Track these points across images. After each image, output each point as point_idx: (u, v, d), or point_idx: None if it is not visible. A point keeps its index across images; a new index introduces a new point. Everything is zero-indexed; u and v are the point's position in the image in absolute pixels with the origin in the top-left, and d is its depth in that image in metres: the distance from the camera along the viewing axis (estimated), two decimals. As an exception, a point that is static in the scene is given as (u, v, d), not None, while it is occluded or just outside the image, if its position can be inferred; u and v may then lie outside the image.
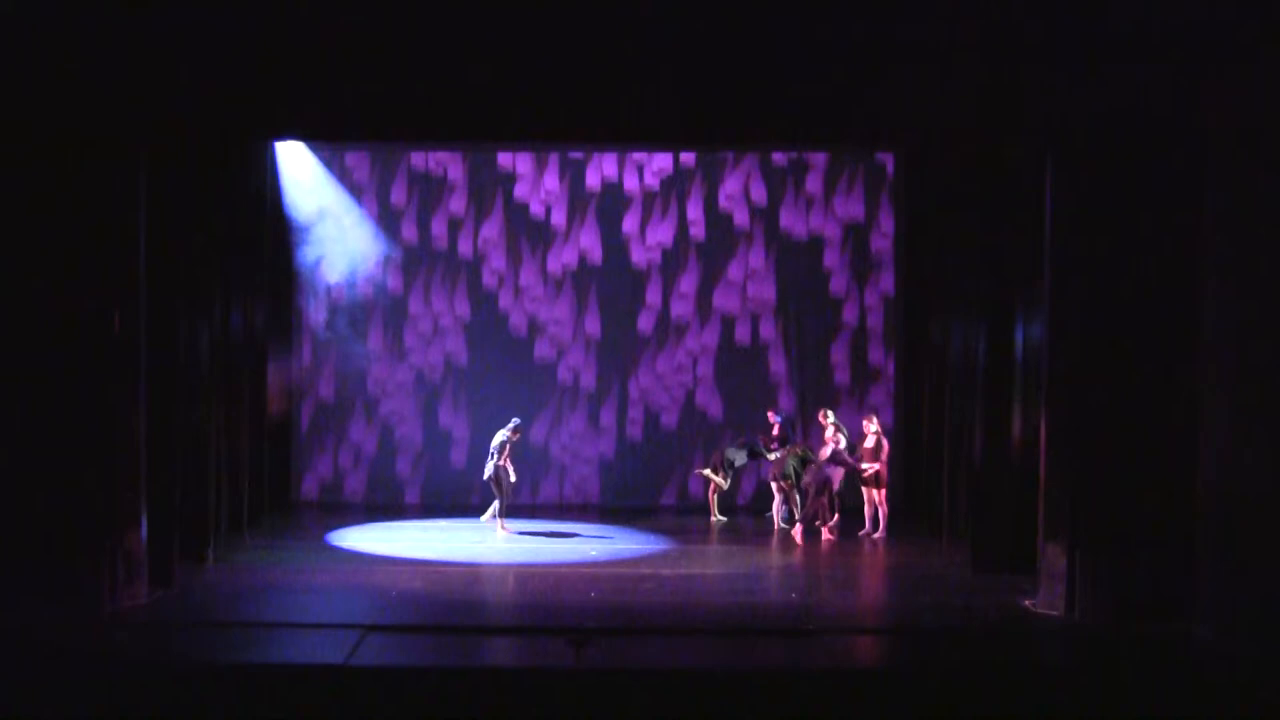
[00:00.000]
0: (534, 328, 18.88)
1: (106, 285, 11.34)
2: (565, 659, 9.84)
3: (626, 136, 13.85)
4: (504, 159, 18.77)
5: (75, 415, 11.21)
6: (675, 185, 18.88)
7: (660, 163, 18.86)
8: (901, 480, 17.89)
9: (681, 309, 18.95)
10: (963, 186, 14.66)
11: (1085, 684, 9.72)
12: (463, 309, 18.86)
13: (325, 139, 16.08)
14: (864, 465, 16.03)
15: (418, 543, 15.32)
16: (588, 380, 18.94)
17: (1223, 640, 10.52)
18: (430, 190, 18.76)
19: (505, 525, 15.98)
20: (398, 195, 18.71)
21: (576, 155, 18.77)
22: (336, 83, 11.48)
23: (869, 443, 16.11)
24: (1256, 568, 10.40)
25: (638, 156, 18.78)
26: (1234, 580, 10.60)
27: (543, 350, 18.90)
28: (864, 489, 16.18)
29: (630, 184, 18.86)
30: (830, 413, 16.67)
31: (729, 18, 11.34)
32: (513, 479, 16.15)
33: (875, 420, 16.43)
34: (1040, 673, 10.30)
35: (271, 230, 17.25)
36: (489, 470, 15.99)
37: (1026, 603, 12.07)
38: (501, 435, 16.08)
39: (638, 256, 18.91)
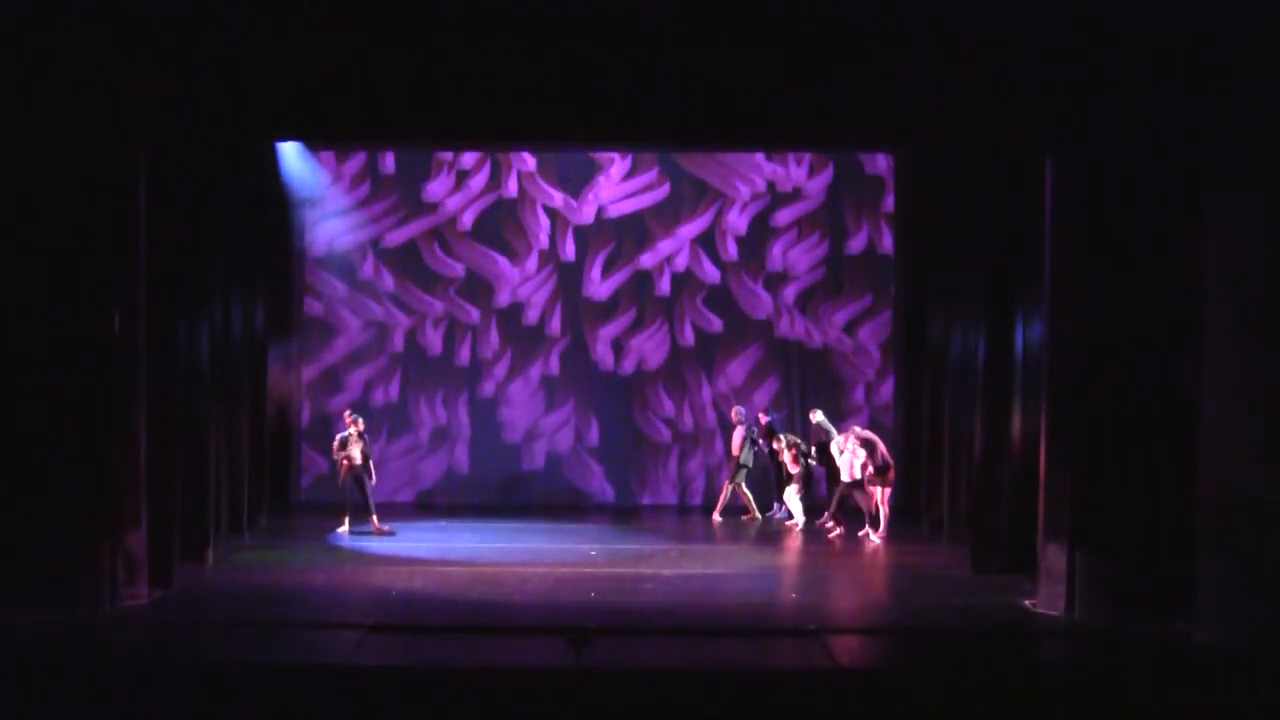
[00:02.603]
0: (528, 433, 18.94)
1: (106, 285, 11.34)
2: (565, 659, 9.84)
3: (626, 137, 13.88)
4: (501, 263, 18.83)
5: (75, 415, 11.21)
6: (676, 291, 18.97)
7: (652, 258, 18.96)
8: (901, 480, 17.90)
9: (684, 415, 18.99)
10: (963, 187, 14.67)
11: (1085, 684, 9.73)
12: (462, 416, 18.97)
13: (324, 140, 16.09)
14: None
15: (418, 543, 15.32)
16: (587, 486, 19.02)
17: (1223, 640, 10.52)
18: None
19: (379, 524, 15.78)
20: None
21: (569, 259, 18.79)
22: (336, 84, 11.49)
23: (852, 456, 15.96)
24: (1256, 568, 10.40)
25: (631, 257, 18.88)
26: (1234, 580, 10.60)
27: (534, 458, 18.95)
28: (869, 488, 16.13)
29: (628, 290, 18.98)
30: (818, 411, 16.73)
31: (729, 18, 11.35)
32: (373, 480, 15.94)
33: (851, 437, 16.20)
34: (1040, 673, 10.31)
35: (273, 229, 17.26)
36: (342, 475, 15.81)
37: (1026, 603, 12.08)
38: (342, 434, 15.80)
39: (632, 360, 18.98)
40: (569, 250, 18.88)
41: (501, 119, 11.96)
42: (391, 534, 15.65)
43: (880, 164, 18.87)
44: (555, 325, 18.92)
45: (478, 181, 18.85)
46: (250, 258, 15.90)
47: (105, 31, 11.11)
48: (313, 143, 17.15)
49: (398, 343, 18.86)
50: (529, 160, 18.89)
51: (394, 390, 18.85)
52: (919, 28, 11.29)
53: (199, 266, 13.48)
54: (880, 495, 16.03)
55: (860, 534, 16.04)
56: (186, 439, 12.97)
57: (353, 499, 15.73)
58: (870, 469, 15.73)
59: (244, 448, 15.50)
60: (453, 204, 18.88)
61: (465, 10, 11.37)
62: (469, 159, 18.84)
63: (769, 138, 14.06)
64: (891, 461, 15.96)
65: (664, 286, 18.93)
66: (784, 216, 18.95)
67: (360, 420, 15.86)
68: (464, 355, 18.91)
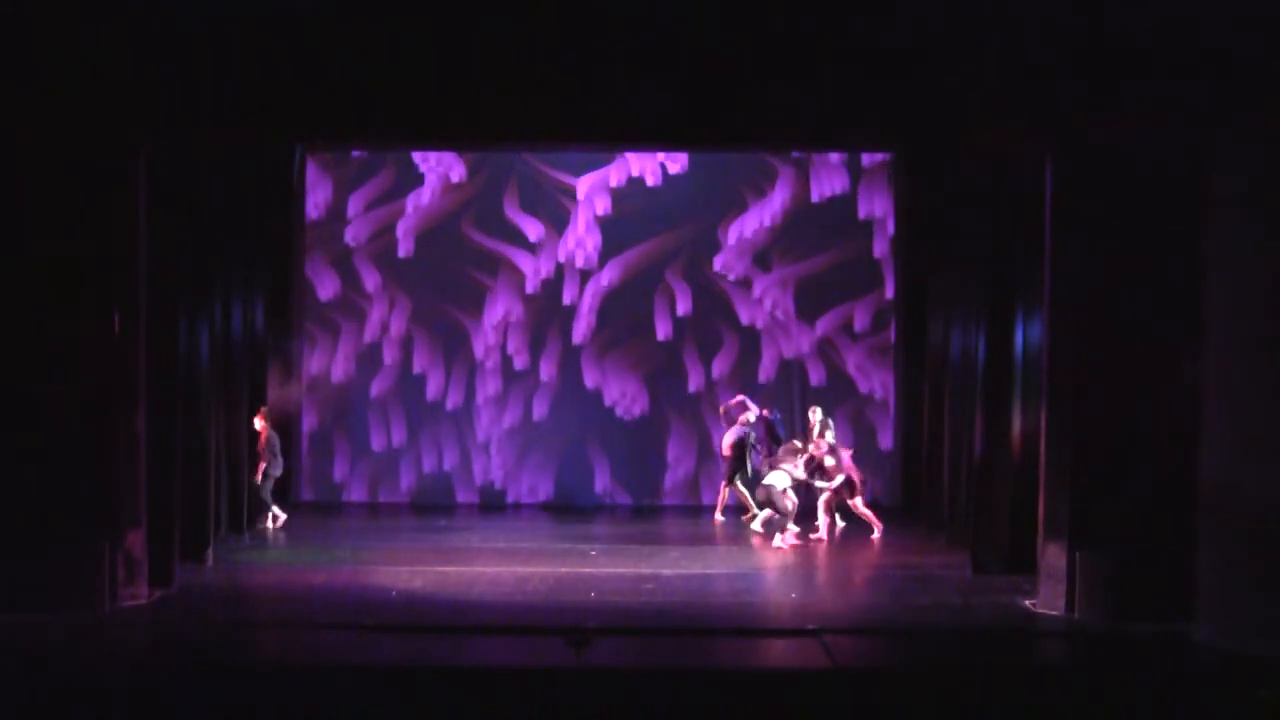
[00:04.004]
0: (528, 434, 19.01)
1: (106, 285, 11.34)
2: (565, 659, 9.84)
3: (626, 137, 13.88)
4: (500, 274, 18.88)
5: (75, 415, 11.20)
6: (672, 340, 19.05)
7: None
8: (901, 480, 17.94)
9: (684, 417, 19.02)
10: (963, 187, 14.66)
11: (1085, 684, 9.73)
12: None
13: (324, 140, 16.10)
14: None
15: (417, 543, 15.29)
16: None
17: (1223, 640, 10.52)
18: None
19: (277, 514, 16.15)
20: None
21: (568, 302, 18.84)
22: (334, 84, 11.48)
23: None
24: (1256, 568, 10.39)
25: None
26: (1234, 580, 10.60)
27: (535, 459, 19.01)
28: (850, 500, 16.04)
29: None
30: (818, 409, 16.77)
31: (729, 17, 11.34)
32: (278, 472, 16.01)
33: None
34: (1040, 673, 10.31)
35: (273, 229, 17.27)
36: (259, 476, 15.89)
37: (1026, 603, 12.08)
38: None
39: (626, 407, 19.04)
40: (568, 256, 18.90)
41: (500, 118, 11.96)
42: (267, 532, 15.88)
43: (880, 164, 18.87)
44: (554, 329, 18.95)
45: (476, 188, 18.91)
46: (250, 258, 15.90)
47: (105, 29, 11.10)
48: (312, 143, 17.15)
49: (398, 346, 18.90)
50: (530, 163, 18.91)
51: (394, 393, 18.89)
52: (919, 27, 11.28)
53: (199, 266, 13.48)
54: (859, 505, 15.96)
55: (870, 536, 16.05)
56: (186, 439, 12.97)
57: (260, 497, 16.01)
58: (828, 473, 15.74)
59: (244, 448, 15.51)
60: (450, 208, 18.92)
61: (462, 10, 11.36)
62: (467, 165, 18.89)
63: (769, 137, 14.07)
64: (856, 477, 15.84)
65: (662, 287, 18.95)
66: (782, 216, 18.94)
67: (262, 413, 15.92)
68: (463, 360, 18.94)
